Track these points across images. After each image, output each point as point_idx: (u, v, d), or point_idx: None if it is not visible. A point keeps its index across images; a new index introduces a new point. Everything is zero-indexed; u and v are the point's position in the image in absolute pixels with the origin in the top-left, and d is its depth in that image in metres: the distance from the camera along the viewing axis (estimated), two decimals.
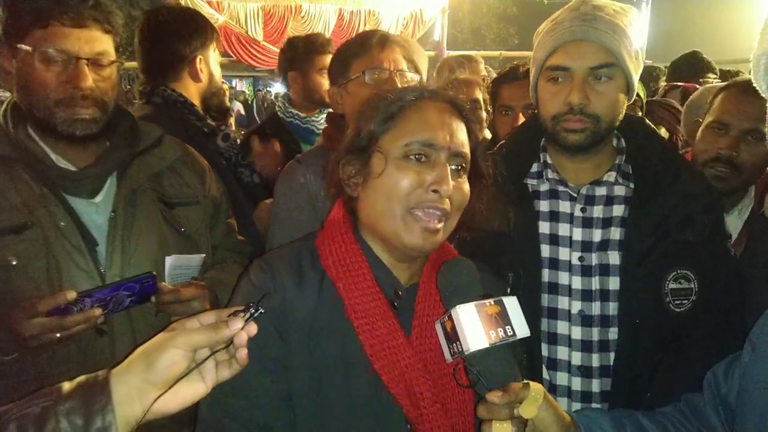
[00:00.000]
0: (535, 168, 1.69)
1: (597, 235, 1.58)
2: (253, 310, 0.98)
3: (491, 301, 1.05)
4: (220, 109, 2.45)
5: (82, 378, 0.91)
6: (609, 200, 1.60)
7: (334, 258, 1.22)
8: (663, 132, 3.18)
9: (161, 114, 2.10)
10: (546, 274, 1.58)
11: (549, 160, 1.67)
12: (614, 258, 1.55)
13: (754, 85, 1.12)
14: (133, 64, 2.39)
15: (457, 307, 1.04)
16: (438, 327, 1.11)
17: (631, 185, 1.60)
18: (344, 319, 1.18)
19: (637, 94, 2.84)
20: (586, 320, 1.55)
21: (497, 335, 1.02)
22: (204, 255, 1.74)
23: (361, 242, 1.26)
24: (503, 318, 1.04)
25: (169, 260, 1.63)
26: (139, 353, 0.93)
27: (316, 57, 2.94)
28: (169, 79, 2.27)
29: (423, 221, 1.16)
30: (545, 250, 1.60)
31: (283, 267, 1.23)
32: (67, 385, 0.90)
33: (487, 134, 2.80)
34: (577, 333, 1.56)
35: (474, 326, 1.02)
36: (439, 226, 1.18)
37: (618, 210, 1.59)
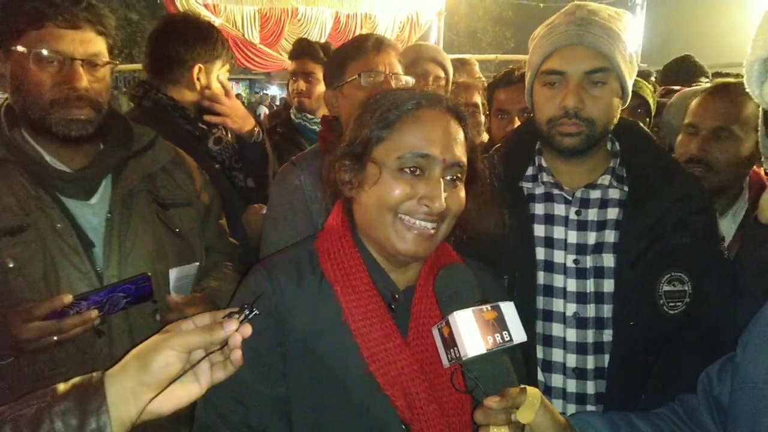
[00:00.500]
0: (530, 171, 1.69)
1: (592, 237, 1.59)
2: (247, 312, 0.98)
3: (488, 306, 1.06)
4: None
5: (76, 379, 0.91)
6: (603, 203, 1.61)
7: (332, 261, 1.23)
8: None
9: (150, 117, 2.10)
10: (541, 277, 1.59)
11: (544, 164, 1.68)
12: (609, 260, 1.56)
13: (747, 89, 1.13)
14: (128, 66, 2.39)
15: (455, 313, 1.04)
16: (435, 333, 1.11)
17: (626, 188, 1.61)
18: (341, 321, 1.18)
19: (644, 98, 2.88)
20: (580, 322, 1.56)
21: (494, 341, 1.03)
22: (198, 263, 1.76)
23: (359, 245, 1.26)
24: (500, 323, 1.05)
25: (174, 272, 1.65)
26: (133, 354, 0.93)
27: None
28: (167, 80, 2.27)
29: (414, 228, 1.17)
30: (540, 253, 1.60)
31: (282, 272, 1.23)
32: (61, 387, 0.89)
33: (485, 137, 2.81)
34: (572, 335, 1.56)
35: (471, 332, 1.02)
36: (433, 231, 1.18)
37: (612, 213, 1.59)
